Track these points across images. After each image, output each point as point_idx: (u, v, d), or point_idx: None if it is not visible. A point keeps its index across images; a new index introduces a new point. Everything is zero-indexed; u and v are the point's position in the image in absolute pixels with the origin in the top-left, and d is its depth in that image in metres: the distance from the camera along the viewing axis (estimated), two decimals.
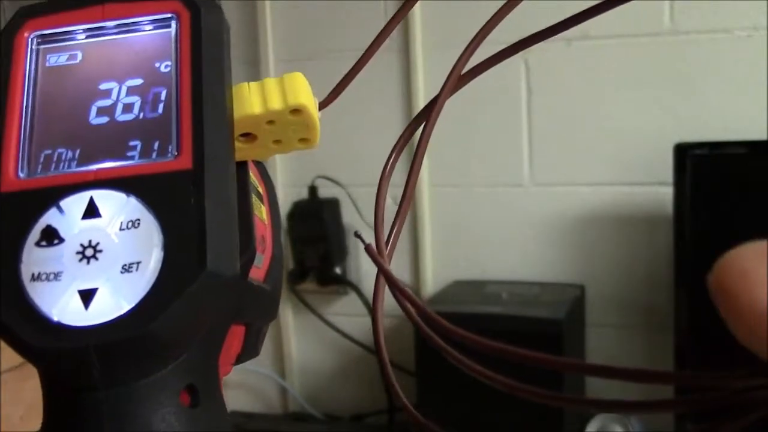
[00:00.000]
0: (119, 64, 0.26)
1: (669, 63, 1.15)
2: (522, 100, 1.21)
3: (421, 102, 1.25)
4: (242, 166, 0.27)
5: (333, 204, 1.32)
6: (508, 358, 0.19)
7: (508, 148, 1.24)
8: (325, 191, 1.32)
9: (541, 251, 1.24)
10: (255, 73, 1.33)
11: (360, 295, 1.32)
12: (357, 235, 0.29)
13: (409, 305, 0.23)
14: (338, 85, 0.28)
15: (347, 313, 1.36)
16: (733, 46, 1.11)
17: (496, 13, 0.27)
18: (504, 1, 0.26)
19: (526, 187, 1.24)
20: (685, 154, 1.03)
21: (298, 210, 1.30)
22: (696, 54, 1.13)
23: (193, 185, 0.23)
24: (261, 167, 0.31)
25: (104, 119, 0.25)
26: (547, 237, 1.24)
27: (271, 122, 0.26)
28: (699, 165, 1.03)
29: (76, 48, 0.26)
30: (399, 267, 1.32)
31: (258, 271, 0.28)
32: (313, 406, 1.39)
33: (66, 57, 0.26)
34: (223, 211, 0.23)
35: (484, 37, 0.28)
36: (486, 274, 1.27)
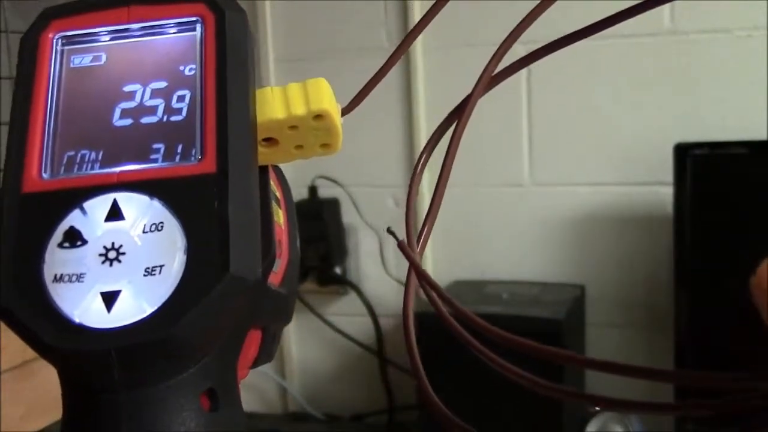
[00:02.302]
0: (143, 66, 0.26)
1: (669, 63, 1.15)
2: (522, 100, 1.21)
3: (421, 102, 1.26)
4: (263, 170, 0.27)
5: (333, 204, 1.32)
6: (526, 351, 0.19)
7: (508, 148, 1.24)
8: (325, 191, 1.32)
9: (541, 251, 1.24)
10: (255, 73, 1.33)
11: (360, 295, 1.32)
12: (390, 232, 0.29)
13: (438, 299, 0.23)
14: (361, 92, 0.28)
15: (347, 313, 1.36)
16: (733, 46, 1.11)
17: (528, 14, 0.27)
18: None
19: (526, 187, 1.24)
20: (685, 154, 1.03)
21: (298, 210, 1.29)
22: (696, 54, 1.13)
23: (216, 189, 0.23)
24: (278, 171, 0.32)
25: (128, 121, 0.25)
26: (547, 237, 1.24)
27: (293, 127, 0.26)
28: (699, 165, 1.03)
29: (100, 49, 0.26)
30: (400, 267, 1.32)
31: (275, 276, 0.28)
32: (313, 406, 1.39)
33: (90, 58, 0.26)
34: (246, 215, 0.23)
35: (516, 38, 0.28)
36: (486, 274, 1.27)
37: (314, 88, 0.26)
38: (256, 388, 1.45)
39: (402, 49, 0.29)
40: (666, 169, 1.06)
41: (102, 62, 0.26)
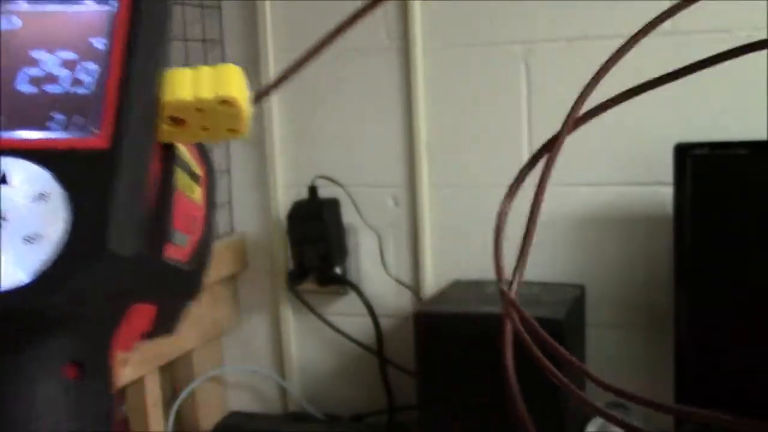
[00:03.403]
0: (54, 35, 0.26)
1: (669, 63, 1.14)
2: (522, 100, 1.21)
3: (421, 102, 1.25)
4: (169, 148, 0.27)
5: (333, 204, 1.32)
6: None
7: (508, 148, 1.24)
8: (325, 191, 1.32)
9: (541, 251, 1.24)
10: (255, 72, 1.33)
11: (360, 295, 1.32)
12: (497, 283, 0.30)
13: (523, 330, 0.23)
14: (281, 77, 0.28)
15: (347, 313, 1.36)
16: (733, 46, 1.11)
17: (611, 56, 0.28)
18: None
19: (526, 187, 1.24)
20: (685, 154, 1.03)
21: (298, 210, 1.30)
22: (696, 54, 1.12)
23: (106, 165, 0.23)
24: (201, 148, 0.31)
25: (31, 88, 0.25)
26: (547, 237, 1.24)
27: (200, 110, 0.26)
28: (699, 165, 1.03)
29: (15, 13, 0.26)
30: (400, 267, 1.32)
31: (180, 251, 0.28)
32: (313, 406, 1.39)
33: (6, 22, 0.26)
34: (133, 192, 0.23)
35: (598, 81, 0.29)
36: (486, 274, 1.27)
37: (225, 73, 0.26)
38: (256, 388, 1.45)
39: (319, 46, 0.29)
40: (666, 169, 1.06)
41: (17, 27, 0.26)
